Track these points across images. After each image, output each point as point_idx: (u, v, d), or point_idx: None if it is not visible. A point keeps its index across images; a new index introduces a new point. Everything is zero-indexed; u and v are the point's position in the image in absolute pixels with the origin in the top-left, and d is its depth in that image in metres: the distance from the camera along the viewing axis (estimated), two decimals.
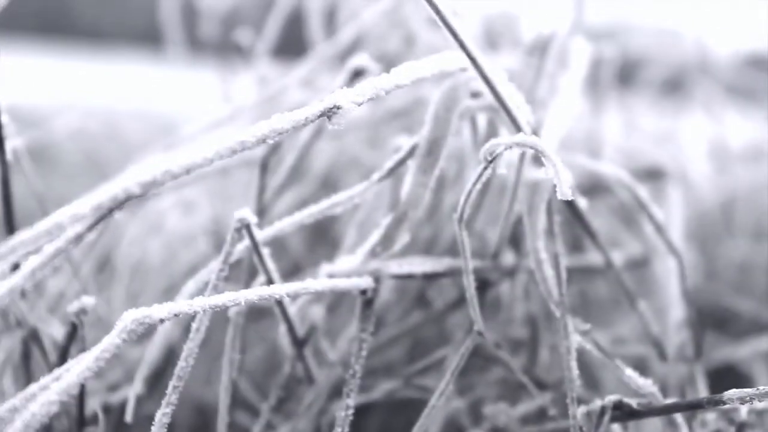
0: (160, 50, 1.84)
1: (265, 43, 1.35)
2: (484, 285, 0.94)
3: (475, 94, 0.89)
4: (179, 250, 1.10)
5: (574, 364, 0.82)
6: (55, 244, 0.72)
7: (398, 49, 1.16)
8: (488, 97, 0.87)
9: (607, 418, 0.82)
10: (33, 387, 0.68)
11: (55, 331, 0.91)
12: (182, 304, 0.71)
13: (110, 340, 0.68)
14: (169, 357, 0.94)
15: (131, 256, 1.06)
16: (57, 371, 0.70)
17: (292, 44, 1.39)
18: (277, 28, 1.29)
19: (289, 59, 1.28)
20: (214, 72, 1.60)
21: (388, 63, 0.93)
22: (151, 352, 0.87)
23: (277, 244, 1.15)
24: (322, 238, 1.14)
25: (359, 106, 0.72)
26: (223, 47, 1.62)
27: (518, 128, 0.86)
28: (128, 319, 0.69)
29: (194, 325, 0.79)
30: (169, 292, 1.07)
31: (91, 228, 0.74)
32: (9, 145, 0.90)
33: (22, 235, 0.66)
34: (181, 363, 0.79)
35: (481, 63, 0.84)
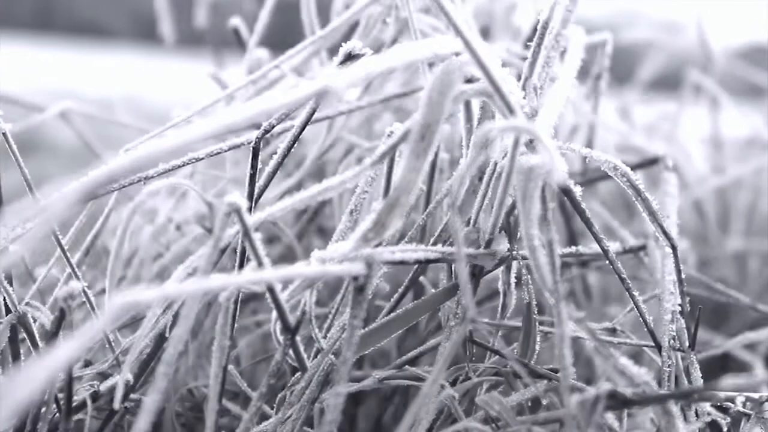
0: (156, 42, 1.83)
1: (259, 32, 1.34)
2: (477, 272, 0.93)
3: (470, 80, 0.88)
4: (172, 238, 1.09)
5: (568, 353, 0.81)
6: (43, 225, 0.71)
7: (393, 37, 1.15)
8: (483, 82, 0.87)
9: (601, 407, 0.81)
10: (18, 371, 0.67)
11: (44, 318, 0.90)
12: (170, 288, 0.70)
13: (97, 325, 0.67)
14: (160, 344, 0.93)
15: (123, 243, 1.05)
16: (42, 355, 0.68)
17: (288, 38, 1.38)
18: (269, 16, 1.27)
19: (284, 51, 1.27)
20: (209, 62, 1.59)
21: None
22: (141, 339, 0.86)
23: (271, 233, 1.14)
24: (316, 226, 1.13)
25: (351, 87, 0.71)
26: (217, 37, 1.61)
27: (512, 113, 0.85)
28: (116, 303, 0.67)
29: (183, 311, 0.78)
30: (160, 280, 1.06)
31: (79, 208, 0.73)
32: None
33: (9, 214, 0.65)
34: (170, 350, 0.78)
35: (475, 47, 0.83)
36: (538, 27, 1.04)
